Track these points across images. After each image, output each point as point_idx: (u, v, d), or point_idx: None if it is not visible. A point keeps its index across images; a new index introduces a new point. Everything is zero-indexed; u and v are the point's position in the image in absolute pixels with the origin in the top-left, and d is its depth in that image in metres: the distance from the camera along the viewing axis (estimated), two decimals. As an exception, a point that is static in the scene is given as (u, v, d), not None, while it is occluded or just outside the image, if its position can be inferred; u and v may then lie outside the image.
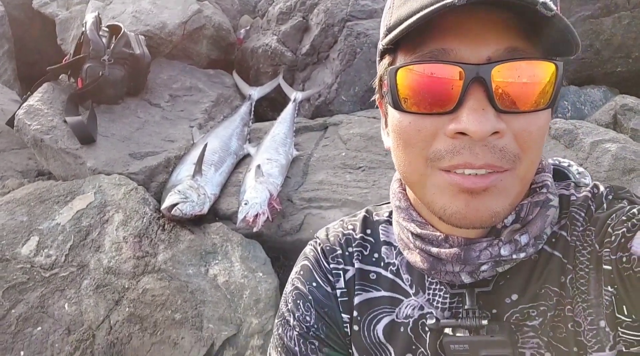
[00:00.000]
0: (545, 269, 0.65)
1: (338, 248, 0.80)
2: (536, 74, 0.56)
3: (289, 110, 2.59)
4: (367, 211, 0.85)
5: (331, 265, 0.79)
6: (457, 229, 0.63)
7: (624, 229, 0.60)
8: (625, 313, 0.60)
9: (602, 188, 0.69)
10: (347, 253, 0.80)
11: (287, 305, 0.79)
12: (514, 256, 0.62)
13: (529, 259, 0.65)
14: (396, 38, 0.58)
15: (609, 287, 0.61)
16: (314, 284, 0.78)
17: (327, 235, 0.83)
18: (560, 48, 0.58)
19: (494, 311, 0.66)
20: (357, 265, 0.78)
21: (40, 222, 1.88)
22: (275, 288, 1.75)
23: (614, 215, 0.64)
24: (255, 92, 2.89)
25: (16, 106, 2.77)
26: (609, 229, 0.62)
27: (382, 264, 0.77)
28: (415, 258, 0.69)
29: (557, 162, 2.00)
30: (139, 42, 2.61)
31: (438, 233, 0.66)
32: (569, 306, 0.63)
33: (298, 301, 0.78)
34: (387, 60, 0.65)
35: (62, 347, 1.52)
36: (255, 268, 1.78)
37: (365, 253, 0.79)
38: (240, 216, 1.90)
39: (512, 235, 0.63)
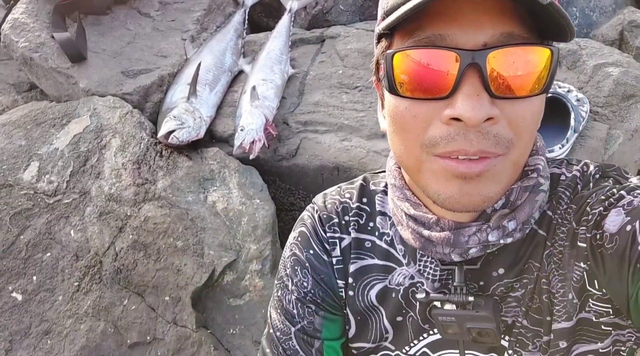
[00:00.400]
0: (530, 246, 0.70)
1: (335, 216, 0.84)
2: (531, 59, 0.57)
3: (284, 23, 2.48)
4: (364, 179, 0.88)
5: (327, 234, 0.84)
6: (449, 212, 0.67)
7: (601, 208, 0.64)
8: (597, 286, 0.66)
9: (591, 167, 0.72)
10: (343, 222, 0.84)
11: (285, 270, 0.85)
12: (502, 241, 0.66)
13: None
14: (392, 24, 0.58)
15: (582, 263, 0.67)
16: (311, 251, 0.84)
17: (324, 202, 0.87)
18: (556, 34, 0.59)
19: (481, 283, 0.72)
20: (353, 234, 0.83)
21: (38, 146, 1.90)
22: (272, 215, 1.82)
23: (594, 194, 0.67)
24: (249, -3, 2.75)
25: (1, 11, 2.65)
26: (587, 208, 0.66)
27: (376, 233, 0.82)
28: (407, 235, 0.74)
29: (557, 87, 1.98)
30: (123, -56, 2.42)
31: (430, 215, 0.70)
32: (544, 279, 0.69)
33: (296, 268, 0.84)
34: (383, 43, 0.65)
35: (72, 272, 1.62)
36: (253, 194, 1.84)
37: (361, 222, 0.84)
38: (236, 143, 1.91)
39: (500, 220, 0.66)
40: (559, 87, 1.89)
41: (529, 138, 0.61)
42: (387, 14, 0.61)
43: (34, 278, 1.62)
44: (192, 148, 1.98)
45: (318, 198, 0.89)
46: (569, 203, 0.69)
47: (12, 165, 1.84)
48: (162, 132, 1.86)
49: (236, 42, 2.47)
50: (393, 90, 0.61)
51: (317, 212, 0.86)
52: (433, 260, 0.75)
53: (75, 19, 2.28)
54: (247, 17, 2.67)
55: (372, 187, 0.86)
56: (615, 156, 1.82)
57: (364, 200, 0.85)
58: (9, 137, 1.92)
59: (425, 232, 0.69)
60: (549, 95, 1.79)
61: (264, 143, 1.92)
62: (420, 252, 0.75)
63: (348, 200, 0.85)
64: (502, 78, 0.56)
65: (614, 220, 0.62)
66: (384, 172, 0.85)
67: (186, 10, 2.59)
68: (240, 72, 2.38)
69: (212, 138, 2.15)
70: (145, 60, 2.26)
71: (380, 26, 0.63)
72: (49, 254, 1.66)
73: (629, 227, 0.60)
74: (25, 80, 2.45)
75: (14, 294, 1.60)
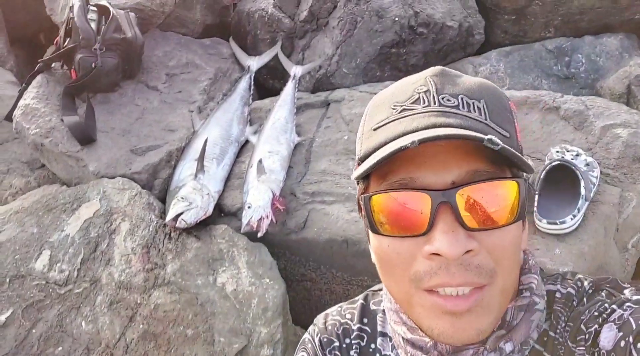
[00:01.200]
0: None
1: (335, 339, 0.84)
2: (500, 193, 0.60)
3: (288, 90, 2.51)
4: (365, 298, 0.89)
5: None
6: None
7: (596, 325, 0.64)
8: None
9: (585, 282, 0.72)
10: (344, 345, 0.84)
11: None
12: None
13: None
14: (364, 174, 0.63)
15: None
16: None
17: (325, 324, 0.87)
18: (517, 166, 0.63)
19: None
20: None
21: (50, 233, 1.92)
22: (282, 294, 1.80)
23: (587, 310, 0.67)
24: (254, 63, 2.80)
25: (13, 89, 2.74)
26: (582, 326, 0.66)
27: (378, 355, 0.81)
28: None
29: (565, 151, 1.94)
30: (129, 23, 2.50)
31: (427, 339, 0.69)
32: None
33: None
34: (361, 185, 0.70)
35: (84, 368, 1.62)
36: (262, 273, 1.83)
37: (363, 344, 0.83)
38: (244, 221, 1.92)
39: (497, 342, 0.66)
40: (567, 151, 1.87)
41: (511, 264, 0.63)
42: (362, 160, 0.67)
43: (46, 375, 1.62)
44: (201, 225, 1.99)
45: (319, 319, 0.90)
46: (566, 321, 0.68)
47: (24, 255, 1.86)
48: (170, 216, 1.88)
49: (242, 110, 2.51)
50: (374, 229, 0.64)
51: (317, 334, 0.86)
52: None
53: (84, 99, 2.34)
54: (252, 82, 2.71)
55: (373, 307, 0.86)
56: (630, 219, 1.78)
57: (365, 320, 0.85)
58: (22, 225, 1.95)
59: None
60: (556, 163, 1.76)
61: (271, 219, 1.93)
62: None
63: (349, 321, 0.86)
64: (474, 212, 0.59)
65: (607, 337, 0.62)
66: None
67: (192, 81, 2.64)
68: (247, 141, 2.40)
69: (221, 212, 2.16)
70: (154, 136, 2.30)
71: (355, 174, 0.67)
72: (60, 348, 1.67)
73: (622, 343, 0.60)
74: (37, 157, 2.50)
75: (26, 393, 1.60)
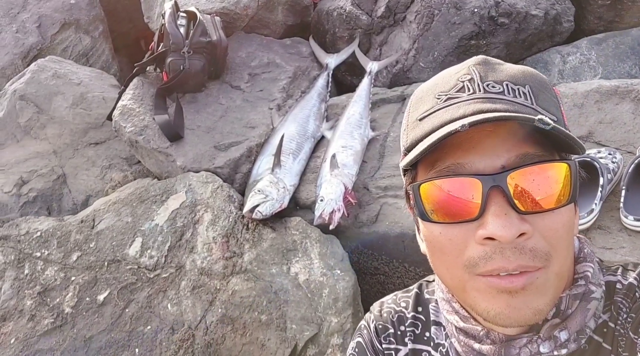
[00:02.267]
0: None
1: (390, 326, 0.87)
2: (551, 175, 0.60)
3: (364, 86, 2.54)
4: (419, 287, 0.90)
5: (383, 345, 0.86)
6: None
7: None
8: None
9: None
10: (399, 332, 0.86)
11: None
12: (555, 352, 0.64)
13: (578, 349, 0.67)
14: (412, 161, 0.63)
15: None
16: None
17: (380, 311, 0.90)
18: (567, 147, 0.62)
19: None
20: (410, 345, 0.84)
21: (142, 222, 2.10)
22: (352, 286, 1.84)
23: None
24: (332, 60, 2.85)
25: (115, 92, 3.00)
26: None
27: (432, 344, 0.83)
28: (460, 348, 0.74)
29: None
30: (215, 26, 2.65)
31: (479, 328, 0.70)
32: None
33: None
34: (409, 175, 0.71)
35: (168, 346, 1.76)
36: (334, 265, 1.88)
37: (417, 332, 0.85)
38: (316, 213, 1.98)
39: (551, 330, 0.65)
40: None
41: (565, 248, 0.62)
42: (408, 150, 0.67)
43: (136, 350, 1.78)
44: (277, 217, 2.07)
45: (375, 307, 0.92)
46: (628, 313, 0.66)
47: (120, 242, 2.05)
48: (247, 208, 1.98)
49: (319, 107, 2.57)
50: (425, 217, 0.65)
51: (373, 321, 0.89)
52: None
53: (174, 99, 2.52)
54: (330, 80, 2.76)
55: (427, 296, 0.87)
56: None
57: (419, 309, 0.86)
58: (118, 215, 2.14)
59: (476, 345, 0.69)
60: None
61: (343, 212, 1.96)
62: None
63: (404, 310, 0.87)
64: (525, 195, 0.58)
65: None
66: None
67: (273, 80, 2.75)
68: (323, 136, 2.46)
69: (297, 205, 2.23)
70: (235, 133, 2.43)
71: (403, 162, 0.67)
72: (149, 327, 1.82)
73: None
74: (134, 154, 2.74)
75: (119, 366, 1.77)
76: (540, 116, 0.56)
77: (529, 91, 0.63)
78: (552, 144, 0.62)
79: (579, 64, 2.61)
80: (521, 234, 0.57)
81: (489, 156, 0.60)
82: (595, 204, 1.65)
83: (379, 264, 2.09)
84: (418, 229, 0.75)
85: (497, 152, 0.60)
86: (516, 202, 0.58)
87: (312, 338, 1.73)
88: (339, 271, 1.86)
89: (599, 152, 1.82)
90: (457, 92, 0.64)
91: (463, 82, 0.64)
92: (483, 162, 0.60)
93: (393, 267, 2.06)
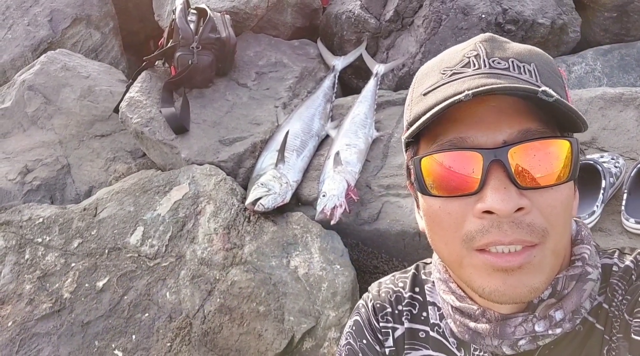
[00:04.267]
0: (588, 341, 0.68)
1: (388, 305, 0.87)
2: (552, 151, 0.60)
3: (370, 87, 2.55)
4: (416, 268, 0.91)
5: (381, 324, 0.87)
6: (494, 304, 0.67)
7: None
8: None
9: None
10: (396, 311, 0.86)
11: None
12: (550, 331, 0.65)
13: (573, 330, 0.67)
14: (415, 132, 0.64)
15: None
16: (364, 341, 0.87)
17: (379, 291, 0.90)
18: (570, 126, 0.63)
19: None
20: (406, 324, 0.85)
21: (144, 212, 2.10)
22: (352, 281, 1.84)
23: None
24: (339, 63, 2.88)
25: (122, 87, 3.02)
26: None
27: (429, 323, 0.83)
28: (455, 328, 0.74)
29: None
30: (224, 24, 2.68)
31: (475, 307, 0.70)
32: None
33: None
34: (411, 150, 0.71)
35: (165, 333, 1.76)
36: (333, 259, 1.88)
37: (414, 312, 0.85)
38: (318, 208, 1.98)
39: (547, 310, 0.65)
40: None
41: (562, 225, 0.62)
42: (411, 124, 0.67)
43: (133, 337, 1.78)
44: (278, 212, 2.08)
45: (373, 287, 0.93)
46: (624, 295, 0.67)
47: (121, 230, 2.06)
48: (249, 200, 1.99)
49: (324, 106, 2.59)
50: (425, 191, 0.65)
51: (371, 300, 0.89)
52: (486, 354, 0.74)
53: (181, 94, 2.54)
54: (336, 81, 2.78)
55: (423, 277, 0.88)
56: None
57: (416, 289, 0.87)
58: (121, 204, 2.15)
59: (472, 324, 0.70)
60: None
61: (345, 208, 1.97)
62: (473, 345, 0.74)
63: (401, 290, 0.88)
64: (526, 170, 0.59)
65: None
66: None
67: (280, 79, 2.77)
68: (328, 135, 2.47)
69: (298, 201, 2.24)
70: (241, 129, 2.44)
71: (405, 134, 0.68)
72: (147, 314, 1.82)
73: None
74: (139, 147, 2.75)
75: (116, 351, 1.76)
76: (544, 88, 0.57)
77: (534, 69, 0.63)
78: (555, 122, 0.62)
79: (584, 73, 2.63)
80: (519, 209, 0.58)
81: (491, 130, 0.60)
82: (597, 206, 1.66)
83: (379, 263, 2.09)
84: (418, 206, 0.75)
85: (499, 126, 0.60)
86: (516, 176, 0.58)
87: (310, 330, 1.73)
88: (338, 266, 1.86)
89: (601, 157, 1.83)
90: (462, 67, 0.64)
91: (469, 57, 0.65)
92: (485, 137, 0.60)
93: (392, 265, 2.06)
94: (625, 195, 1.67)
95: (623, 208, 1.66)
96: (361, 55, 2.85)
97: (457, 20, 2.52)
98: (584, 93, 2.16)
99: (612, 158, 1.81)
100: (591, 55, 2.66)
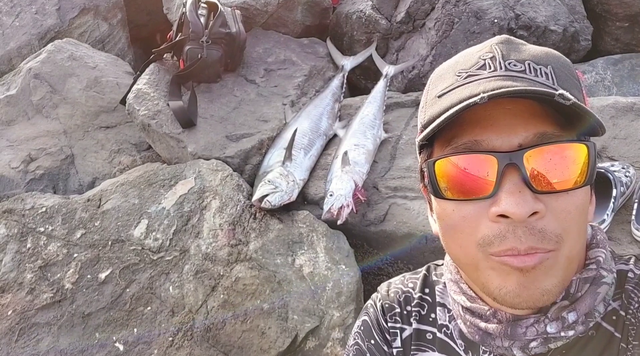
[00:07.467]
0: (601, 347, 0.67)
1: (397, 306, 0.86)
2: (568, 155, 0.59)
3: (379, 88, 2.54)
4: (427, 269, 0.90)
5: (389, 324, 0.86)
6: (507, 308, 0.66)
7: None
8: None
9: None
10: (405, 312, 0.85)
11: None
12: (562, 333, 0.64)
13: (586, 335, 0.66)
14: (430, 134, 0.63)
15: None
16: (372, 341, 0.86)
17: (388, 291, 0.89)
18: (586, 130, 0.61)
19: None
20: (414, 325, 0.84)
21: (148, 205, 2.09)
22: (357, 281, 1.82)
23: None
24: (348, 63, 2.86)
25: (129, 79, 3.00)
26: None
27: (436, 325, 0.82)
28: (465, 329, 0.73)
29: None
30: (235, 19, 2.66)
31: (486, 308, 0.69)
32: None
33: None
34: (425, 153, 0.70)
35: (167, 327, 1.74)
36: (339, 259, 1.86)
37: (423, 313, 0.84)
38: (325, 207, 1.97)
39: (559, 312, 0.64)
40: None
41: (577, 231, 0.61)
42: (425, 126, 0.66)
43: (135, 330, 1.76)
44: (284, 210, 2.07)
45: (382, 287, 0.92)
46: (639, 302, 0.66)
47: (125, 222, 2.04)
48: (256, 197, 1.97)
49: (333, 106, 2.57)
50: (438, 194, 0.64)
51: (380, 300, 0.89)
52: None
53: (189, 88, 2.52)
54: (345, 81, 2.77)
55: (434, 278, 0.88)
56: None
57: (426, 290, 0.87)
58: (125, 196, 2.13)
59: (482, 324, 0.69)
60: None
61: (352, 208, 1.96)
62: (482, 347, 0.73)
63: (411, 290, 0.87)
64: (541, 174, 0.58)
65: None
66: None
67: (288, 77, 2.75)
68: (335, 135, 2.46)
69: (305, 200, 2.22)
70: (248, 125, 2.43)
71: (419, 137, 0.67)
72: (149, 308, 1.80)
73: None
74: (145, 140, 2.73)
75: (117, 344, 1.75)
76: (560, 91, 0.55)
77: (550, 71, 0.62)
78: (572, 125, 0.61)
79: (594, 82, 2.62)
80: (534, 213, 0.57)
81: (506, 134, 0.59)
82: (607, 215, 1.65)
83: (383, 264, 2.08)
84: (431, 209, 0.74)
85: (514, 129, 0.59)
86: (531, 180, 0.58)
87: (313, 330, 1.72)
88: (344, 267, 1.84)
89: (612, 165, 1.82)
90: (478, 69, 0.63)
91: (484, 59, 0.64)
92: (500, 140, 0.59)
93: (397, 267, 2.05)
94: (635, 205, 1.66)
95: (633, 217, 1.65)
96: (370, 56, 2.84)
97: (469, 24, 2.51)
98: (595, 101, 2.15)
99: (623, 168, 1.80)
100: (601, 64, 2.65)
